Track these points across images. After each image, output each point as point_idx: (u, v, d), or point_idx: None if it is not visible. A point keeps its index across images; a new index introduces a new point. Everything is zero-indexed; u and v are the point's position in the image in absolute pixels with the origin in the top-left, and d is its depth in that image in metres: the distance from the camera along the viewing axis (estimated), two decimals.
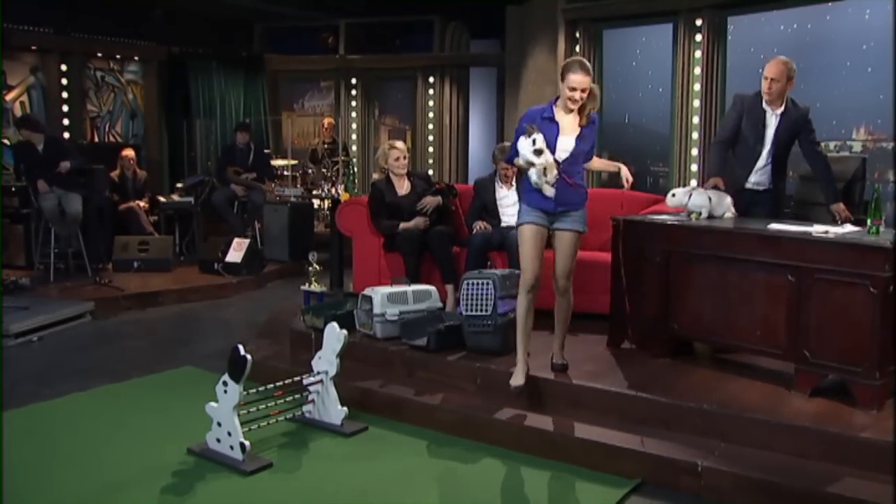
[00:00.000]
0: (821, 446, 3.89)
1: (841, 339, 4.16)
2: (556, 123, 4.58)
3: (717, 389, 4.47)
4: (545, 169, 4.50)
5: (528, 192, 4.68)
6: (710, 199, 5.00)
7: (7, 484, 3.97)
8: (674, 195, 5.10)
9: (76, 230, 8.42)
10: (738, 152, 5.42)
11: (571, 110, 4.57)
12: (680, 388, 4.52)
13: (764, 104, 5.28)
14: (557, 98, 4.63)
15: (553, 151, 4.54)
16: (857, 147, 7.38)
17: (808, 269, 4.24)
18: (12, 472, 4.13)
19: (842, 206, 5.17)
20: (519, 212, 4.80)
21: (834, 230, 4.38)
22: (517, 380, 4.63)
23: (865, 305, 4.04)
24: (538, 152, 4.47)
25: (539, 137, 4.46)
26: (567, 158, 4.57)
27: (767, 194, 5.34)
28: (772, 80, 5.17)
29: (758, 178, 5.37)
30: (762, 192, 5.35)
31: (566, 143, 4.57)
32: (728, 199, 5.12)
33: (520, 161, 4.59)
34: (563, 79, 4.52)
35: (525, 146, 4.49)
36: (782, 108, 5.25)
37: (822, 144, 6.95)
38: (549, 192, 4.55)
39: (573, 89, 4.46)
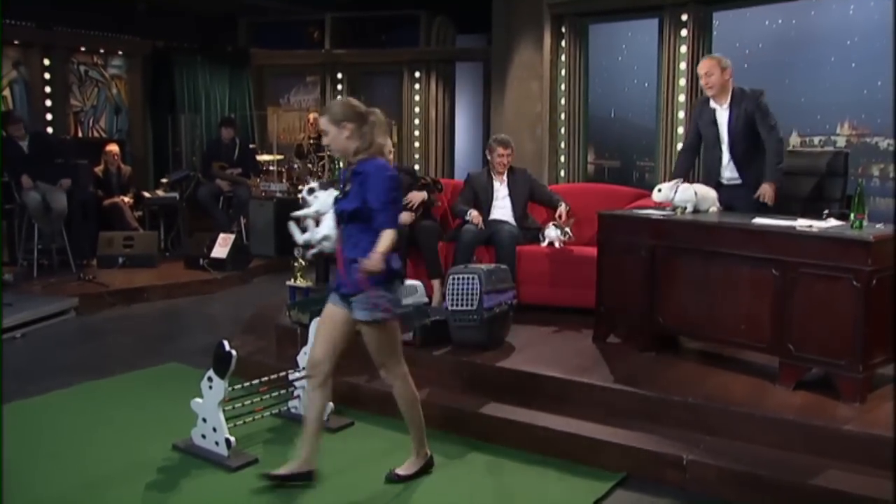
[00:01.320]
0: (805, 439, 3.92)
1: (824, 333, 4.18)
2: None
3: (702, 383, 4.49)
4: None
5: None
6: (695, 193, 5.02)
7: None
8: (660, 190, 5.12)
9: (60, 226, 8.37)
10: (704, 155, 5.55)
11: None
12: (665, 381, 4.53)
13: (712, 103, 5.35)
14: None
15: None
16: (842, 142, 7.41)
17: (792, 262, 4.26)
18: None
19: (767, 186, 5.14)
20: None
21: (818, 224, 4.40)
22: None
23: (849, 299, 4.07)
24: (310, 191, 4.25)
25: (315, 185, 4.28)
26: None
27: (742, 188, 5.34)
28: (704, 74, 5.27)
29: (729, 173, 5.42)
30: (738, 187, 5.37)
31: (323, 195, 4.15)
32: (713, 194, 5.14)
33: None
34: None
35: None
36: (729, 100, 5.29)
37: (807, 139, 6.98)
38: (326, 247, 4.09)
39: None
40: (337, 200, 3.84)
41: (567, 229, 6.01)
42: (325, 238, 4.04)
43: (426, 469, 4.05)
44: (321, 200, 4.13)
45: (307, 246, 4.17)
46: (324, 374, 3.93)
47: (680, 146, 8.74)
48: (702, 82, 5.32)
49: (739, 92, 5.29)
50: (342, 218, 3.78)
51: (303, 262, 6.46)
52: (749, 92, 5.28)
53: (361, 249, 3.66)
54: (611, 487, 3.93)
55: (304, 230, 4.14)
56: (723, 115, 5.32)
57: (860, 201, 4.31)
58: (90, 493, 3.87)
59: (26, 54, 10.89)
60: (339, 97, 3.51)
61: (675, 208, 5.02)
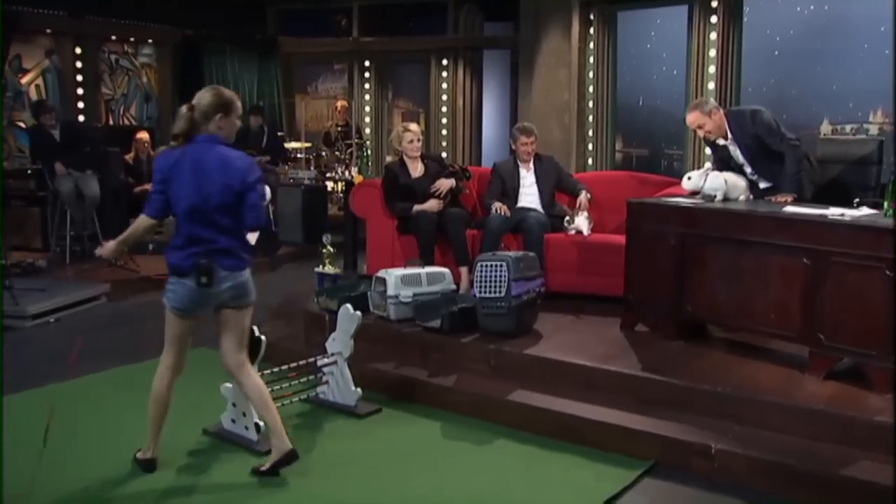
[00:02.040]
0: (835, 429, 3.88)
1: (856, 323, 4.13)
2: None
3: (730, 372, 4.46)
4: None
5: None
6: (725, 181, 4.98)
7: (23, 463, 4.03)
8: (689, 178, 5.09)
9: (92, 213, 8.45)
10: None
11: None
12: (693, 370, 4.51)
13: (720, 141, 5.34)
14: None
15: None
16: (874, 130, 7.32)
17: (824, 251, 4.21)
18: (29, 452, 4.18)
19: (785, 196, 5.01)
20: None
21: (850, 213, 4.35)
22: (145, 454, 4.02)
23: (881, 289, 4.01)
24: None
25: None
26: None
27: (775, 189, 5.26)
28: (697, 128, 5.33)
29: (763, 184, 5.39)
30: (772, 188, 5.30)
31: None
32: (743, 183, 5.10)
33: None
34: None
35: None
36: (730, 136, 5.28)
37: (838, 127, 6.90)
38: None
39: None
40: None
41: (585, 215, 5.99)
42: None
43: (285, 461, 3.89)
44: None
45: None
46: (238, 364, 3.99)
47: None
48: (699, 134, 5.39)
49: (738, 119, 5.25)
50: None
51: (331, 250, 6.48)
52: (749, 115, 5.24)
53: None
54: (638, 475, 3.91)
55: None
56: (734, 149, 5.31)
57: (894, 189, 4.25)
58: (124, 475, 3.92)
59: (59, 43, 11.01)
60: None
61: (704, 197, 4.98)
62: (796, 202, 4.95)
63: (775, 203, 4.96)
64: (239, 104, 4.02)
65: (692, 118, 5.29)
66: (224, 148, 3.85)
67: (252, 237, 4.08)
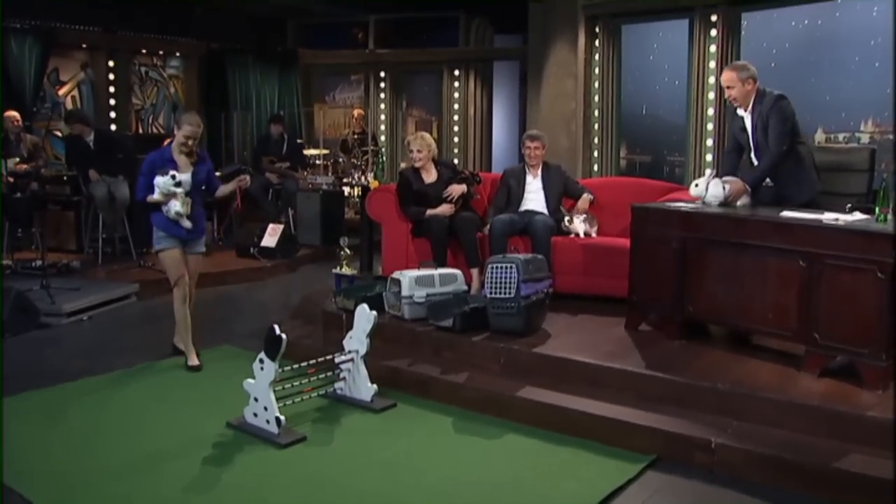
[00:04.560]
0: (829, 424, 3.87)
1: (849, 322, 4.12)
2: (175, 162, 5.36)
3: (730, 370, 4.44)
4: (183, 201, 5.29)
5: (164, 223, 5.37)
6: (724, 187, 4.96)
7: (59, 451, 4.06)
8: (696, 185, 5.07)
9: (123, 216, 8.49)
10: (743, 159, 5.36)
11: (184, 152, 5.40)
12: (694, 368, 4.50)
13: (739, 110, 5.21)
14: (171, 142, 5.50)
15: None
16: (865, 139, 7.29)
17: (819, 254, 4.20)
18: (64, 441, 4.21)
19: (740, 184, 4.98)
20: (158, 237, 5.44)
21: (844, 218, 4.33)
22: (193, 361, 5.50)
23: (873, 290, 4.00)
24: (178, 184, 5.26)
25: (175, 173, 5.25)
26: (189, 190, 5.36)
27: (771, 190, 5.15)
28: (728, 88, 5.12)
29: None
30: (766, 189, 5.18)
31: (185, 178, 5.33)
32: (741, 185, 5.05)
33: (158, 196, 5.27)
34: (179, 127, 5.41)
35: (164, 181, 5.23)
36: (751, 107, 5.11)
37: (831, 136, 6.84)
38: (187, 223, 5.37)
39: (187, 136, 5.35)
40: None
41: (582, 218, 5.98)
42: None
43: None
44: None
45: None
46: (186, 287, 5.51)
47: (710, 142, 8.71)
48: (725, 94, 5.22)
49: (761, 95, 5.09)
50: (195, 186, 5.43)
51: (348, 252, 6.49)
52: (768, 95, 5.05)
53: (200, 204, 5.55)
54: (641, 469, 3.90)
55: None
56: (748, 122, 5.17)
57: (885, 195, 4.23)
58: (152, 465, 3.93)
59: (93, 57, 11.11)
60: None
61: (706, 203, 4.97)
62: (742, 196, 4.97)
63: (732, 190, 4.95)
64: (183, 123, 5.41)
65: (727, 76, 5.10)
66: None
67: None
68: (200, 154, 5.57)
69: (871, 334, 4.04)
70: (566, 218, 6.10)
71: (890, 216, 4.23)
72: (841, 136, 7.49)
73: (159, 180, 5.24)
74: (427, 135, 6.68)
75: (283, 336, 4.17)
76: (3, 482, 3.58)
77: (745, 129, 5.21)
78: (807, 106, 7.76)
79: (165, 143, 5.84)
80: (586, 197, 6.23)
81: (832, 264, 4.16)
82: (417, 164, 6.38)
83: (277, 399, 4.26)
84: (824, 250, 4.18)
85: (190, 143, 5.39)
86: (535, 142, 6.38)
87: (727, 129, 8.45)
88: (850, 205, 4.67)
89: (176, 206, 5.28)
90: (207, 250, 8.84)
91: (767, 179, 5.15)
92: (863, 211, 4.54)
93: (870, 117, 7.36)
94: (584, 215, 6.10)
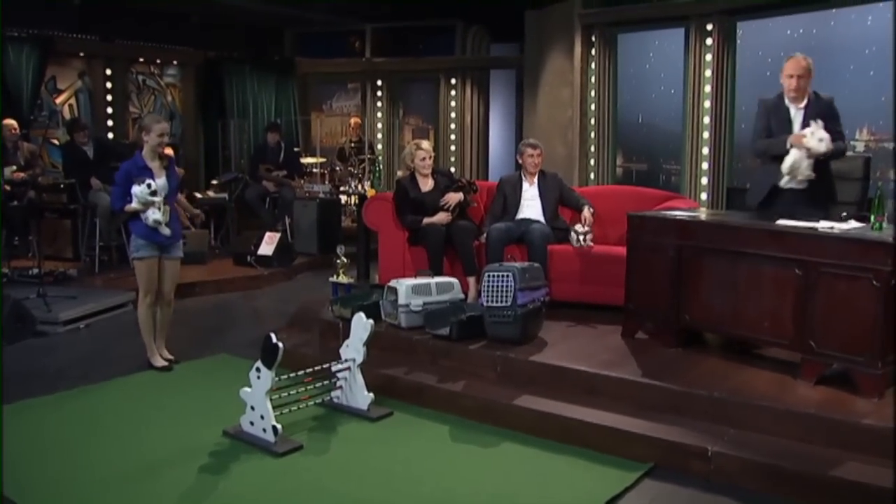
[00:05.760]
0: (825, 432, 3.87)
1: (845, 330, 4.12)
2: (150, 169, 5.37)
3: (726, 378, 4.45)
4: (161, 209, 5.31)
5: (144, 231, 5.37)
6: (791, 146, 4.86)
7: (55, 460, 4.05)
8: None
9: (120, 224, 8.47)
10: (756, 148, 5.25)
11: (158, 153, 5.44)
12: (691, 376, 4.50)
13: (787, 102, 5.08)
14: (142, 149, 5.46)
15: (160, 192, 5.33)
16: (861, 147, 7.32)
17: (815, 263, 4.21)
18: (60, 449, 4.20)
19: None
20: (137, 245, 5.45)
21: (839, 226, 4.34)
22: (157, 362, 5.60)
23: (868, 298, 4.00)
24: (154, 192, 5.27)
25: (151, 182, 5.26)
26: (167, 194, 5.42)
27: (806, 193, 4.98)
28: (798, 77, 4.95)
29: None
30: (803, 191, 4.98)
31: (161, 184, 5.37)
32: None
33: (136, 205, 5.28)
34: (148, 131, 5.39)
35: (140, 190, 5.24)
36: (805, 103, 5.03)
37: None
38: (166, 231, 5.38)
39: (161, 135, 5.39)
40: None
41: (587, 230, 5.93)
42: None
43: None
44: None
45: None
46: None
47: (705, 150, 8.73)
48: (790, 83, 4.99)
49: (814, 96, 5.03)
50: (171, 192, 5.48)
51: (344, 260, 6.49)
52: (823, 97, 5.04)
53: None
54: (638, 477, 3.90)
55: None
56: (798, 116, 5.03)
57: (880, 203, 4.25)
58: (148, 474, 3.92)
59: (90, 65, 11.13)
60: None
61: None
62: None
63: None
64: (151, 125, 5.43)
65: (804, 64, 4.95)
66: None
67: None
68: (169, 158, 5.66)
69: (866, 342, 4.05)
70: (578, 237, 5.91)
71: (885, 224, 4.24)
72: None
73: (136, 189, 5.27)
74: (427, 142, 6.71)
75: (280, 344, 4.16)
76: (2, 494, 3.56)
77: (789, 122, 5.04)
78: None
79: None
80: (589, 209, 6.15)
81: (828, 272, 4.16)
82: (425, 172, 6.39)
83: (274, 407, 4.25)
84: (820, 258, 4.19)
85: (165, 139, 5.45)
86: (536, 149, 6.39)
87: (729, 119, 8.48)
88: (845, 213, 4.68)
89: (155, 215, 5.30)
90: (205, 259, 9.00)
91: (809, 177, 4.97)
92: (858, 219, 4.56)
93: (865, 126, 7.39)
94: (588, 228, 6.01)
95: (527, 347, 5.05)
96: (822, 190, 5.03)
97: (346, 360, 4.73)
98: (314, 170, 11.46)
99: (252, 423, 4.31)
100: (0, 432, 3.88)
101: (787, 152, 4.92)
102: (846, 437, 3.82)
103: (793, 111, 5.08)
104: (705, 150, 8.74)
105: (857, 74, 7.34)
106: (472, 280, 6.01)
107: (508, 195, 6.39)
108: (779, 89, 5.12)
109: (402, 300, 5.46)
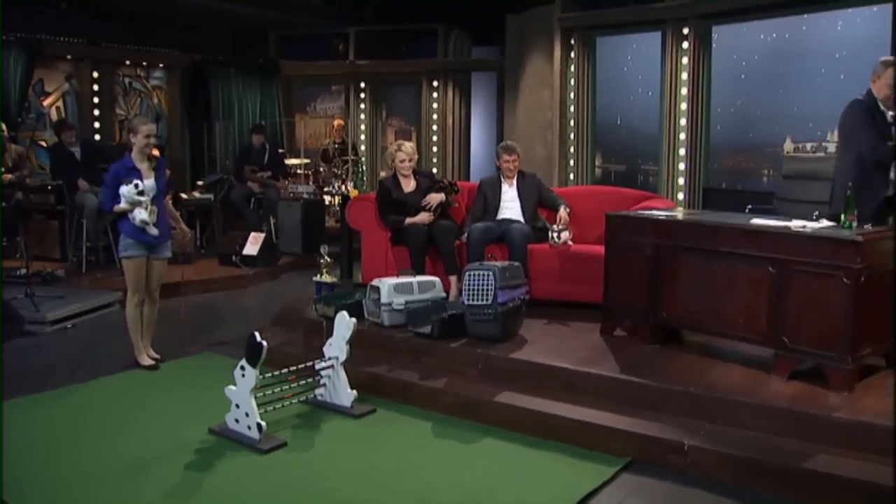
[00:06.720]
0: (797, 426, 3.90)
1: (817, 327, 4.16)
2: (139, 170, 5.35)
3: (702, 374, 4.47)
4: (149, 209, 5.28)
5: (132, 230, 5.34)
6: None
7: (42, 458, 4.02)
8: None
9: (106, 225, 8.42)
10: (879, 157, 4.80)
11: (146, 153, 5.44)
12: (668, 372, 4.52)
13: (882, 107, 4.82)
14: (132, 151, 5.45)
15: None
16: (832, 148, 7.37)
17: (788, 261, 4.24)
18: (48, 448, 4.17)
19: None
20: (126, 244, 5.43)
21: (811, 225, 4.37)
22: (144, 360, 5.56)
23: (839, 295, 4.04)
24: (141, 192, 5.24)
25: (139, 182, 5.24)
26: (155, 195, 5.39)
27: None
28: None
29: None
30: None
31: (149, 184, 5.36)
32: None
33: (124, 205, 5.26)
34: (135, 133, 5.39)
35: (128, 190, 5.22)
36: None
37: (800, 145, 6.85)
38: (154, 231, 5.35)
39: (147, 136, 5.40)
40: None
41: (563, 227, 5.93)
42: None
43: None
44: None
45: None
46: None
47: (682, 151, 8.75)
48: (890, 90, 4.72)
49: None
50: (159, 192, 5.43)
51: (328, 260, 6.48)
52: None
53: (163, 209, 5.48)
54: (617, 471, 3.92)
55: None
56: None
57: (850, 204, 4.28)
58: (135, 472, 3.90)
59: (77, 68, 11.06)
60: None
61: None
62: None
63: None
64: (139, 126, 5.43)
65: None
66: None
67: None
68: (158, 160, 5.64)
69: (837, 338, 4.08)
70: (553, 235, 5.91)
71: (855, 224, 4.27)
72: (808, 146, 7.56)
73: (123, 189, 5.25)
74: (410, 143, 6.70)
75: (264, 343, 4.15)
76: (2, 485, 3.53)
77: (888, 125, 4.79)
78: (776, 116, 7.87)
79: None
80: (565, 209, 6.16)
81: (800, 270, 4.20)
82: (405, 173, 6.38)
83: (258, 405, 4.24)
84: (793, 257, 4.22)
85: (152, 140, 5.44)
86: (513, 154, 6.39)
87: (704, 120, 8.46)
88: (817, 212, 4.70)
89: (142, 215, 5.28)
90: (190, 259, 8.94)
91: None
92: (829, 218, 4.59)
93: (835, 128, 7.43)
94: (565, 227, 6.02)
95: (507, 345, 5.06)
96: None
97: (329, 359, 4.72)
98: (298, 171, 11.42)
99: (237, 421, 4.29)
100: (0, 432, 3.86)
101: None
102: (818, 431, 3.85)
103: (889, 116, 4.81)
104: (682, 151, 8.77)
105: (829, 78, 7.40)
106: (453, 279, 6.01)
107: (489, 196, 6.39)
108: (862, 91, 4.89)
109: (384, 299, 5.45)
